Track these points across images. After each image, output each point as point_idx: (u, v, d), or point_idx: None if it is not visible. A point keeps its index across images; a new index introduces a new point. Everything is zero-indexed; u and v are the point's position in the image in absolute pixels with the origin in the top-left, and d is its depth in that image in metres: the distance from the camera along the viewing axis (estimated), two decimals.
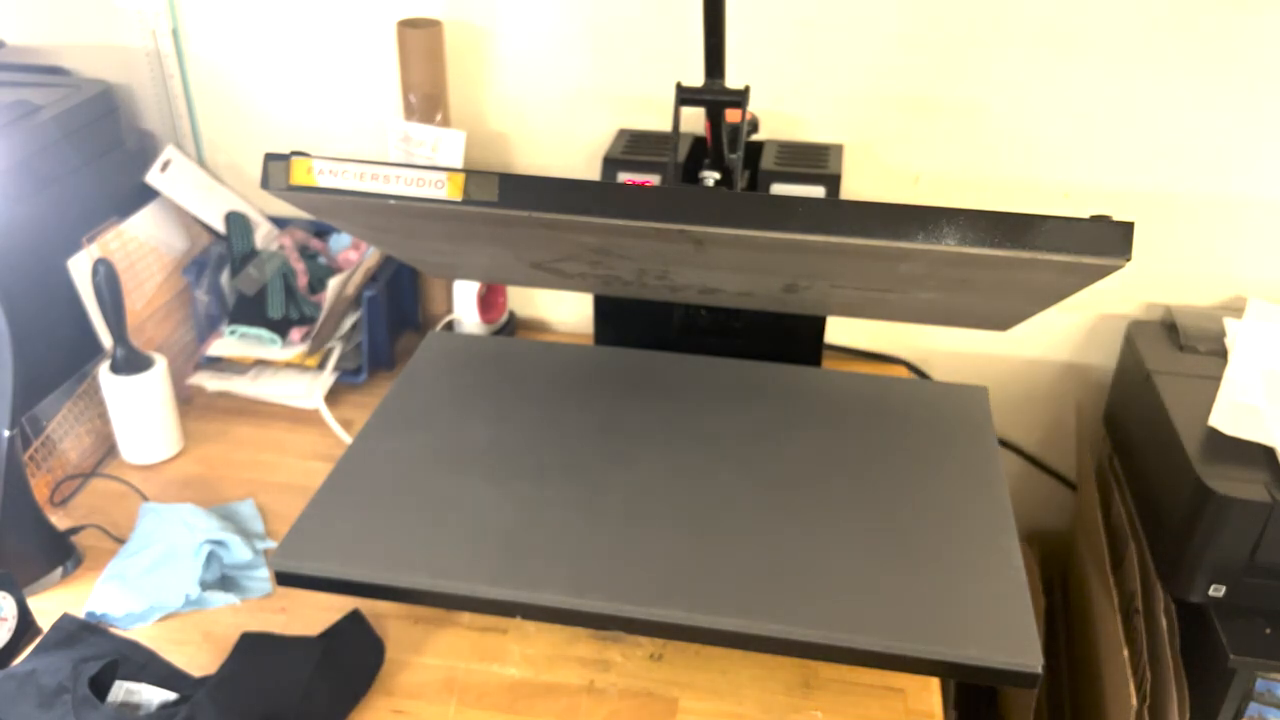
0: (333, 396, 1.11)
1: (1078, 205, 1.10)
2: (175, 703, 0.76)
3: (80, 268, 1.02)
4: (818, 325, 1.06)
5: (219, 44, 1.18)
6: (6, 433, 0.85)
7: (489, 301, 1.20)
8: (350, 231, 0.89)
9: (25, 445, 0.95)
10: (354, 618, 0.84)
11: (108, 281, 0.95)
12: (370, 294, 1.12)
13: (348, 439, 1.07)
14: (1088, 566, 1.09)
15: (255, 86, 1.20)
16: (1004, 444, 1.25)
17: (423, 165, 0.70)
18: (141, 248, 1.10)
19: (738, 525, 0.82)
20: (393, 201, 0.71)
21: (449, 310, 1.21)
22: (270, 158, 0.72)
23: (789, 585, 0.76)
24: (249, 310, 1.13)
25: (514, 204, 0.69)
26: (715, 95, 0.88)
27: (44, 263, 1.00)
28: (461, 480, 0.86)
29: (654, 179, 1.02)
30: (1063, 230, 0.64)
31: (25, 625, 0.81)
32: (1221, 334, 1.05)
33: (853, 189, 1.13)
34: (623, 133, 1.11)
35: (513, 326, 1.25)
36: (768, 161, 1.03)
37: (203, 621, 0.86)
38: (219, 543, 0.89)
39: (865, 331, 1.22)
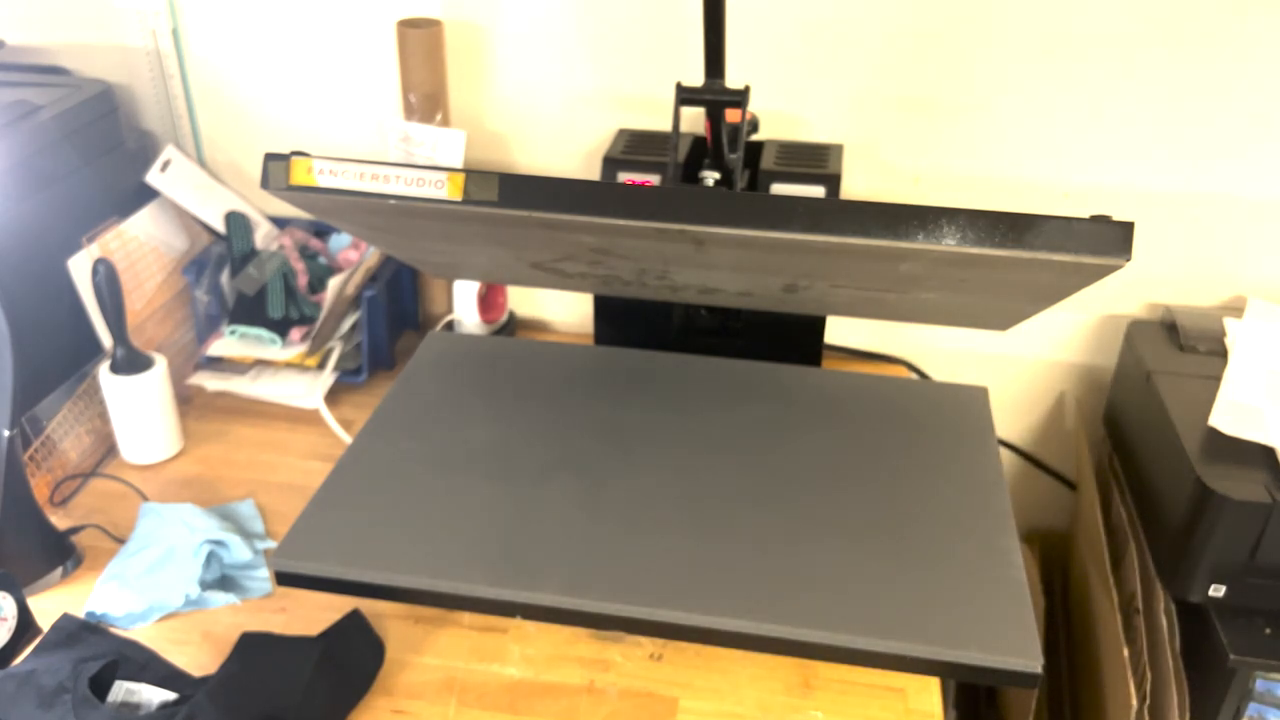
0: (333, 396, 1.11)
1: (1078, 205, 1.10)
2: (175, 703, 0.76)
3: (80, 268, 1.02)
4: (818, 325, 1.06)
5: (219, 44, 1.18)
6: (6, 433, 0.85)
7: (489, 301, 1.20)
8: (350, 231, 0.89)
9: (25, 445, 0.95)
10: (354, 618, 0.84)
11: (108, 281, 0.95)
12: (370, 294, 1.12)
13: (348, 439, 1.07)
14: (1088, 566, 1.09)
15: (255, 86, 1.20)
16: (1004, 444, 1.25)
17: (423, 165, 0.70)
18: (141, 248, 1.10)
19: (738, 525, 0.82)
20: (393, 201, 0.71)
21: (449, 310, 1.21)
22: (270, 158, 0.72)
23: (789, 585, 0.76)
24: (249, 310, 1.13)
25: (514, 204, 0.69)
26: (715, 95, 0.88)
27: (44, 263, 1.00)
28: (461, 480, 0.86)
29: (654, 179, 1.02)
30: (1063, 230, 0.64)
31: (25, 625, 0.81)
32: (1221, 334, 1.05)
33: (853, 189, 1.13)
34: (623, 133, 1.11)
35: (513, 326, 1.25)
36: (768, 161, 1.03)
37: (203, 621, 0.86)
38: (219, 543, 0.89)
39: (865, 331, 1.22)
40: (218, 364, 1.14)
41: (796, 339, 1.07)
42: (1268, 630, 0.87)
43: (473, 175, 0.70)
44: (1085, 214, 0.64)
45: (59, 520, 0.95)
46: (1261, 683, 0.86)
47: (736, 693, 0.79)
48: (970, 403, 0.97)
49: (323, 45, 1.16)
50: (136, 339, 1.03)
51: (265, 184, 0.72)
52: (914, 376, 1.22)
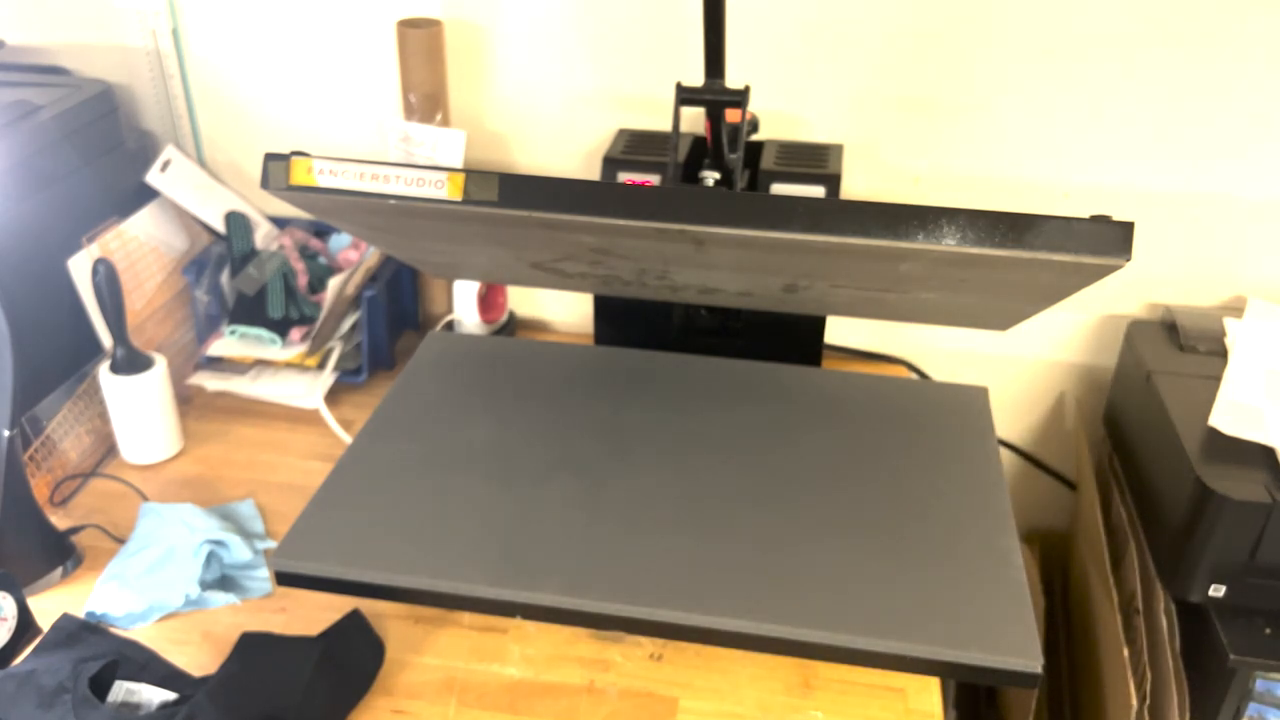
0: (333, 396, 1.11)
1: (1078, 205, 1.10)
2: (175, 703, 0.76)
3: (80, 268, 1.02)
4: (818, 325, 1.06)
5: (219, 44, 1.18)
6: (6, 433, 0.85)
7: (489, 301, 1.20)
8: (350, 231, 0.89)
9: (25, 445, 0.95)
10: (354, 618, 0.84)
11: (108, 281, 0.95)
12: (370, 294, 1.12)
13: (348, 439, 1.07)
14: (1088, 566, 1.09)
15: (255, 86, 1.20)
16: (1004, 444, 1.25)
17: (423, 165, 0.70)
18: (141, 248, 1.10)
19: (738, 525, 0.82)
20: (393, 201, 0.71)
21: (449, 310, 1.21)
22: (270, 158, 0.72)
23: (789, 585, 0.76)
24: (249, 310, 1.13)
25: (514, 204, 0.69)
26: (715, 95, 0.88)
27: (44, 263, 1.00)
28: (461, 480, 0.86)
29: (654, 179, 1.02)
30: (1063, 230, 0.64)
31: (25, 625, 0.81)
32: (1221, 334, 1.05)
33: (853, 189, 1.13)
34: (623, 133, 1.11)
35: (513, 326, 1.25)
36: (768, 161, 1.03)
37: (203, 621, 0.86)
38: (219, 543, 0.89)
39: (865, 331, 1.22)
40: (218, 364, 1.14)
41: (796, 339, 1.07)
42: (1268, 630, 0.87)
43: (473, 175, 0.70)
44: (1085, 214, 0.64)
45: (59, 520, 0.95)
46: (1261, 683, 0.86)
47: (736, 693, 0.79)
48: (970, 403, 0.97)
49: (323, 45, 1.16)
50: (136, 339, 1.03)
51: (265, 184, 0.72)
52: (914, 376, 1.22)
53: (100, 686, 0.75)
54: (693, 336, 1.09)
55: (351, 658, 0.81)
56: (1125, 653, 0.94)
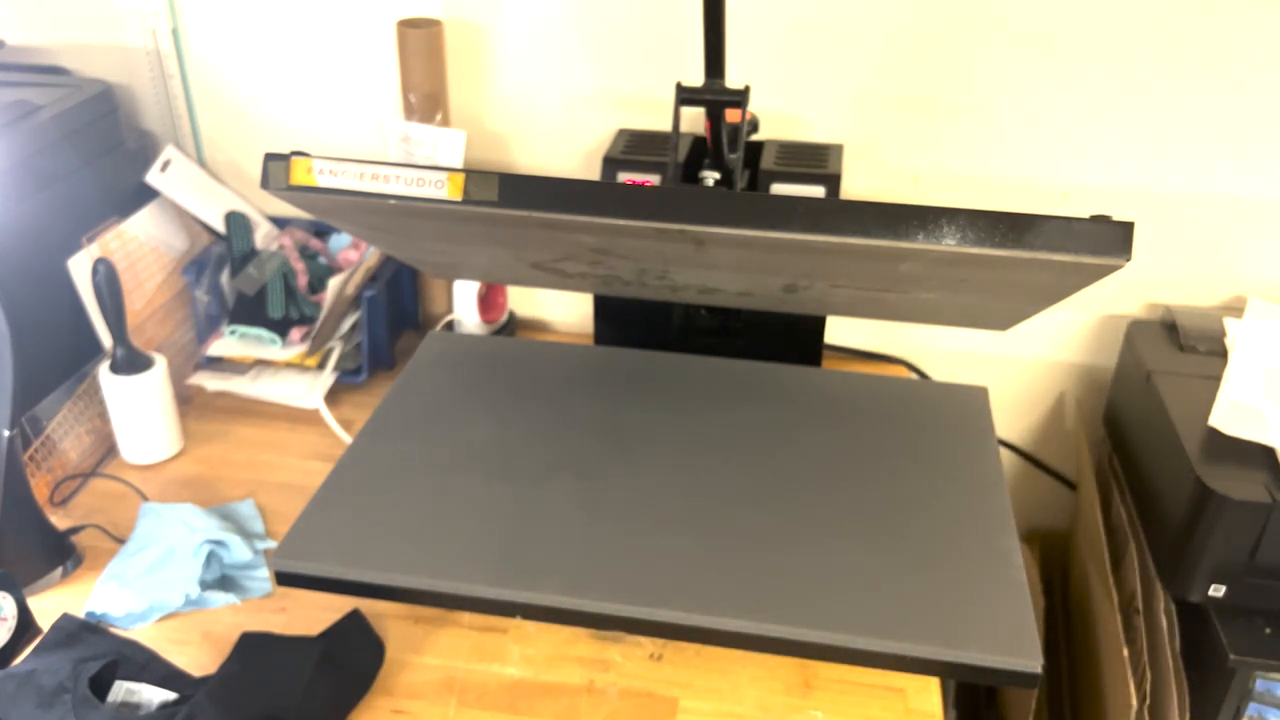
0: (333, 396, 1.11)
1: (1078, 205, 1.10)
2: (175, 703, 0.76)
3: (80, 268, 1.02)
4: (818, 325, 1.06)
5: (219, 44, 1.18)
6: (6, 433, 0.85)
7: (489, 301, 1.20)
8: (350, 231, 0.89)
9: (25, 445, 0.95)
10: (354, 618, 0.84)
11: (108, 281, 0.95)
12: (370, 294, 1.12)
13: (348, 439, 1.07)
14: (1088, 566, 1.09)
15: (255, 86, 1.20)
16: (1004, 444, 1.25)
17: (423, 165, 0.70)
18: (141, 248, 1.10)
19: (738, 525, 0.82)
20: (393, 201, 0.71)
21: (449, 310, 1.21)
22: (270, 158, 0.72)
23: (789, 585, 0.76)
24: (249, 310, 1.13)
25: (514, 204, 0.69)
26: (715, 95, 0.88)
27: (44, 263, 1.00)
28: (461, 480, 0.86)
29: (654, 179, 1.02)
30: (1063, 230, 0.64)
31: (25, 625, 0.81)
32: (1221, 334, 1.05)
33: (853, 189, 1.13)
34: (623, 133, 1.11)
35: (513, 326, 1.25)
36: (768, 161, 1.03)
37: (203, 621, 0.86)
38: (219, 543, 0.89)
39: (865, 331, 1.22)
40: (218, 364, 1.14)
41: (796, 339, 1.07)
42: (1268, 630, 0.87)
43: (473, 175, 0.70)
44: (1085, 214, 0.64)
45: (59, 520, 0.95)
46: (1261, 683, 0.86)
47: (736, 693, 0.79)
48: (970, 403, 0.97)
49: (323, 45, 1.16)
50: (136, 339, 1.03)
51: (265, 184, 0.72)
52: (914, 376, 1.22)
53: (100, 686, 0.75)
54: (693, 336, 1.09)
55: (351, 658, 0.81)
56: (1125, 653, 0.94)
